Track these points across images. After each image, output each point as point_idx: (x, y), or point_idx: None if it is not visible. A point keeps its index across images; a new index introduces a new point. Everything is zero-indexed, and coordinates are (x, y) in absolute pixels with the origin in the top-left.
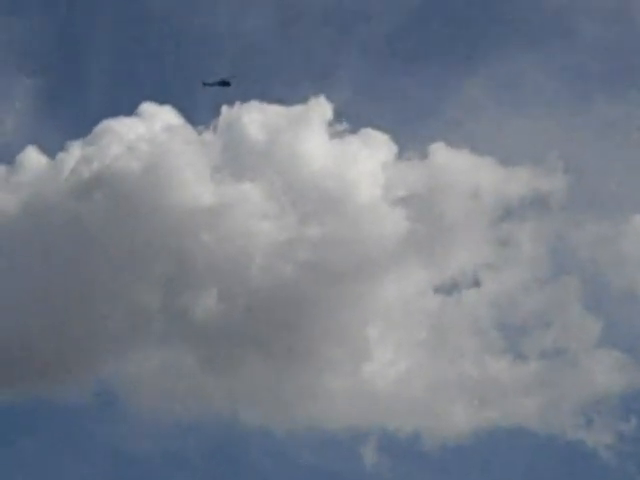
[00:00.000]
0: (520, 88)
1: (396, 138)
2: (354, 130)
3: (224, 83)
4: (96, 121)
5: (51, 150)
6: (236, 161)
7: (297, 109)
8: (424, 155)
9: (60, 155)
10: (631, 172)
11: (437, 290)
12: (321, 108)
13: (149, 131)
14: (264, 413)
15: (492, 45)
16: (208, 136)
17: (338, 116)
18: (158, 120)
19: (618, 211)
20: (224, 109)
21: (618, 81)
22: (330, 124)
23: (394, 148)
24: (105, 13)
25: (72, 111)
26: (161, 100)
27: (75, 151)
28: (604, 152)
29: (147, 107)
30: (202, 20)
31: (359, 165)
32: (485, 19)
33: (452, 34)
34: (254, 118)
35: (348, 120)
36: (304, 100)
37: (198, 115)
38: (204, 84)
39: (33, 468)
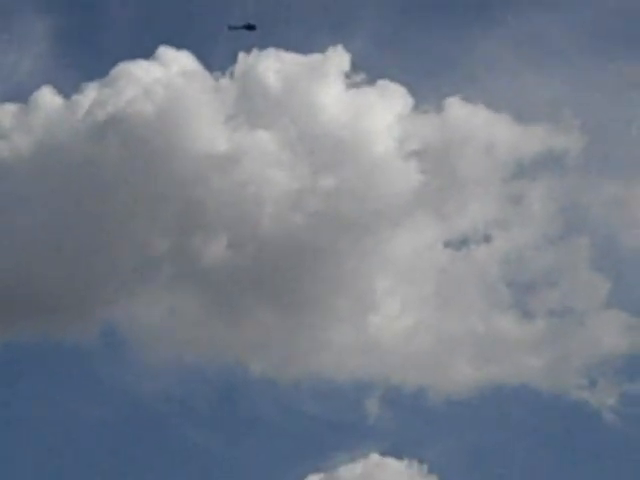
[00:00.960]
0: (538, 45)
1: (412, 91)
2: (371, 81)
3: (250, 27)
4: (113, 63)
5: (66, 91)
6: (251, 108)
7: (314, 58)
8: (440, 109)
9: (75, 96)
10: None
11: (447, 245)
12: (338, 58)
13: (165, 75)
14: (269, 361)
15: (508, 2)
16: (224, 82)
17: (355, 67)
18: (175, 65)
19: (633, 172)
20: (241, 56)
21: (638, 40)
22: (347, 75)
23: (410, 101)
24: None
25: (89, 53)
26: (179, 45)
27: (91, 93)
28: (622, 112)
29: (164, 51)
30: None
31: (375, 117)
32: None
33: None
34: (271, 66)
35: (365, 71)
36: (322, 49)
37: (216, 61)
38: (229, 27)
39: (37, 407)
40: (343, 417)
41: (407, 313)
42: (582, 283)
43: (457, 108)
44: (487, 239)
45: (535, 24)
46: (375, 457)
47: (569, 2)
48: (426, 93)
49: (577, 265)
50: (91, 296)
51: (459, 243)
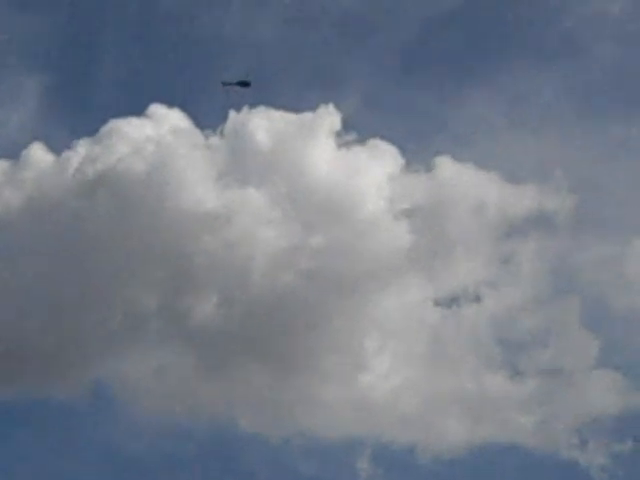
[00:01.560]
0: (529, 105)
1: (403, 150)
2: (362, 140)
3: (244, 83)
4: (104, 120)
5: (57, 148)
6: (242, 166)
7: (305, 116)
8: (430, 168)
9: (66, 153)
10: (636, 193)
11: (437, 304)
12: (329, 117)
13: (156, 133)
14: (260, 419)
15: (502, 61)
16: (215, 140)
17: (346, 126)
18: (166, 122)
19: (622, 232)
20: (231, 114)
21: (627, 101)
22: (338, 133)
23: (400, 160)
24: (116, 12)
25: (80, 110)
26: (170, 102)
27: (81, 149)
28: (611, 172)
29: (156, 109)
30: (213, 23)
31: (365, 176)
32: (496, 35)
33: (462, 49)
34: (261, 124)
35: (356, 130)
36: (313, 108)
37: (206, 119)
38: (223, 84)
39: (27, 466)
40: (334, 475)
41: (397, 372)
42: (572, 343)
43: (447, 167)
44: (477, 298)
45: (525, 85)
46: None
47: (560, 64)
48: (416, 152)
49: (567, 325)
50: (79, 353)
51: (449, 302)
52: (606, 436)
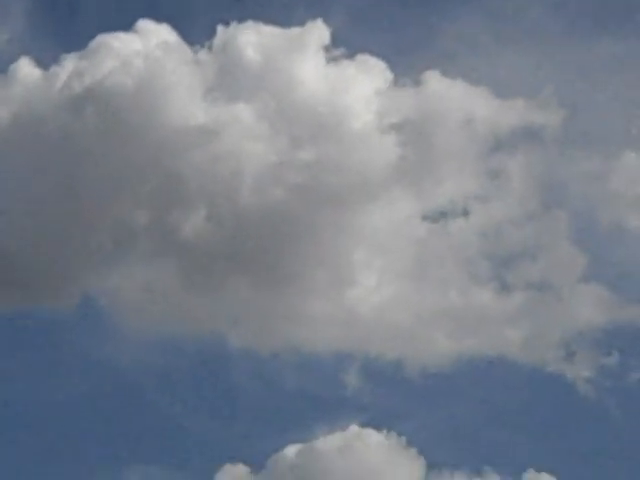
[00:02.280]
0: (518, 22)
1: (392, 65)
2: (350, 55)
3: None
4: (92, 36)
5: (45, 63)
6: (230, 82)
7: (294, 32)
8: (418, 83)
9: (54, 68)
10: (625, 109)
11: (425, 218)
12: (318, 32)
13: (144, 48)
14: (248, 334)
15: None
16: (203, 55)
17: (335, 41)
18: (154, 37)
19: (610, 147)
20: (219, 29)
21: (617, 18)
22: (327, 49)
23: (389, 75)
24: None
25: (68, 25)
26: (159, 18)
27: (69, 64)
28: (600, 88)
29: (144, 24)
30: None
31: (354, 91)
32: None
33: None
34: (250, 39)
35: (345, 45)
36: (301, 23)
37: (195, 34)
38: None
39: (14, 380)
40: (322, 389)
41: (384, 286)
42: (560, 257)
43: (436, 82)
44: (465, 213)
45: (515, 1)
46: (354, 428)
47: None
48: (405, 67)
49: (555, 239)
50: (68, 269)
51: (437, 216)
52: (592, 349)
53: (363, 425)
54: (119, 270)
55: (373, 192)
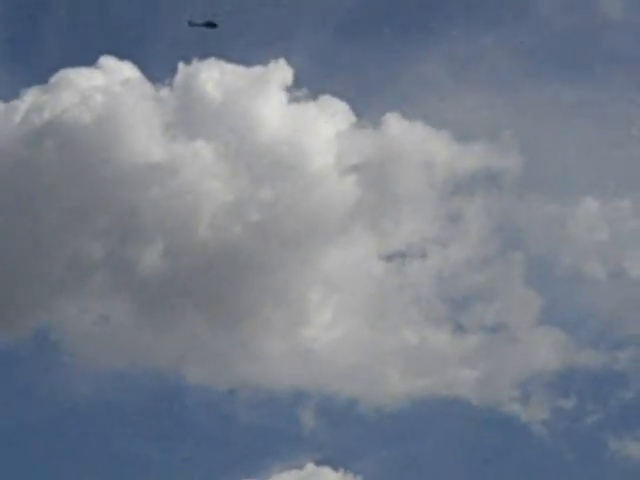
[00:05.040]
0: (478, 66)
1: (353, 106)
2: (313, 96)
3: (210, 24)
4: (54, 70)
5: (5, 96)
6: (190, 119)
7: (256, 70)
8: (379, 124)
9: (14, 102)
10: (583, 155)
11: (382, 259)
12: (281, 72)
13: (106, 83)
14: (204, 371)
15: (450, 21)
16: (164, 92)
17: (298, 81)
18: (116, 74)
19: (568, 193)
20: (181, 66)
21: (575, 62)
22: (289, 89)
23: (351, 116)
24: None
25: (31, 58)
26: (122, 54)
27: (29, 98)
28: (559, 134)
29: (107, 60)
30: None
31: (315, 131)
32: None
33: (411, 8)
34: (212, 77)
35: (307, 86)
36: (264, 62)
37: (157, 71)
38: (189, 24)
39: None
40: (278, 425)
41: (340, 324)
42: (516, 300)
43: (396, 124)
44: (423, 255)
45: (475, 44)
46: (310, 466)
47: (506, 25)
48: (366, 109)
49: (511, 282)
50: (23, 302)
51: (395, 257)
52: (548, 392)
53: (319, 463)
54: (74, 303)
55: (331, 232)
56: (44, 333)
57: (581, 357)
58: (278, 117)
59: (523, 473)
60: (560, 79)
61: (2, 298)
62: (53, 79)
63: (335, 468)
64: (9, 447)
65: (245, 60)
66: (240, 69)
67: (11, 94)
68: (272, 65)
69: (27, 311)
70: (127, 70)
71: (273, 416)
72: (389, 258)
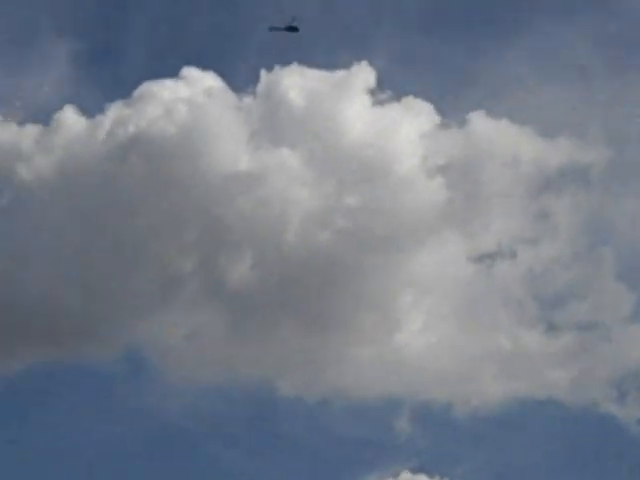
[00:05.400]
0: (562, 60)
1: (437, 107)
2: (396, 98)
3: (292, 28)
4: (137, 83)
5: (90, 111)
6: (275, 126)
7: (339, 74)
8: (464, 124)
9: (99, 116)
10: None
11: (472, 260)
12: (364, 74)
13: (189, 95)
14: (296, 381)
15: (529, 16)
16: (248, 101)
17: (381, 83)
18: (199, 84)
19: None
20: (263, 74)
21: None
22: (372, 91)
23: (435, 117)
24: None
25: (113, 73)
26: (204, 65)
27: (113, 113)
28: None
29: (189, 71)
30: None
31: (400, 134)
32: None
33: (488, 5)
34: (294, 83)
35: (391, 88)
36: (346, 66)
37: (240, 80)
38: (270, 29)
39: (62, 432)
40: (372, 434)
41: (431, 329)
42: (608, 297)
43: (481, 122)
44: (512, 254)
45: (555, 37)
46: (406, 475)
47: (586, 16)
48: (450, 108)
49: (602, 279)
50: (114, 318)
51: (484, 258)
52: None
53: (415, 471)
54: (165, 318)
55: (420, 235)
56: (135, 348)
57: None
58: (362, 121)
59: (623, 474)
60: None
61: (92, 315)
62: (136, 92)
63: (431, 475)
64: (108, 463)
65: (327, 64)
66: (322, 74)
67: (95, 109)
68: (354, 68)
69: (117, 328)
70: (210, 80)
71: (367, 425)
72: (479, 259)
